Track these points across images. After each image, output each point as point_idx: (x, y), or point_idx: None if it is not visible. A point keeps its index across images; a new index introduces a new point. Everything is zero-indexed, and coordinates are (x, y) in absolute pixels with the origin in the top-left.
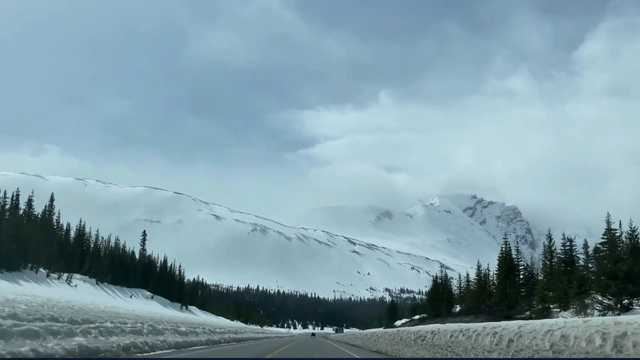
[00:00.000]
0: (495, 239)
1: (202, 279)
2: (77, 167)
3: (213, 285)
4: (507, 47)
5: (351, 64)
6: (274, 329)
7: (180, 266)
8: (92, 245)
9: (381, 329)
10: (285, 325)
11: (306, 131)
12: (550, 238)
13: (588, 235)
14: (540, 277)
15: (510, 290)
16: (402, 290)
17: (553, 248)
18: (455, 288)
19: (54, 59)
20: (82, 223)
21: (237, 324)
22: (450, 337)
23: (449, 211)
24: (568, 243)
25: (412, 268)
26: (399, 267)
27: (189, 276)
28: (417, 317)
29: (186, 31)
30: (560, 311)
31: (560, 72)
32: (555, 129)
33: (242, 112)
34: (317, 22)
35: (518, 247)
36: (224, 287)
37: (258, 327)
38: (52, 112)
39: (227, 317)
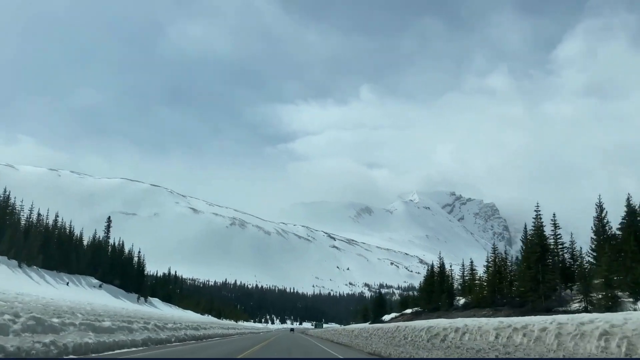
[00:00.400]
0: (473, 236)
1: (175, 272)
2: (51, 158)
3: (190, 279)
4: (487, 45)
5: (332, 59)
6: (250, 324)
7: (140, 252)
8: (21, 221)
9: (368, 325)
10: (263, 320)
11: (285, 126)
12: (601, 207)
13: (563, 233)
14: (589, 258)
15: (547, 276)
16: (381, 285)
17: (605, 220)
18: (457, 277)
19: (27, 47)
20: (7, 193)
21: (206, 319)
22: (497, 337)
23: (429, 207)
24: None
25: (392, 263)
26: (379, 263)
27: (164, 270)
28: (409, 310)
29: (164, 21)
30: (635, 301)
31: (538, 71)
32: (533, 127)
33: (221, 104)
34: (298, 15)
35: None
36: (200, 281)
37: (232, 322)
38: (25, 101)
39: (197, 312)
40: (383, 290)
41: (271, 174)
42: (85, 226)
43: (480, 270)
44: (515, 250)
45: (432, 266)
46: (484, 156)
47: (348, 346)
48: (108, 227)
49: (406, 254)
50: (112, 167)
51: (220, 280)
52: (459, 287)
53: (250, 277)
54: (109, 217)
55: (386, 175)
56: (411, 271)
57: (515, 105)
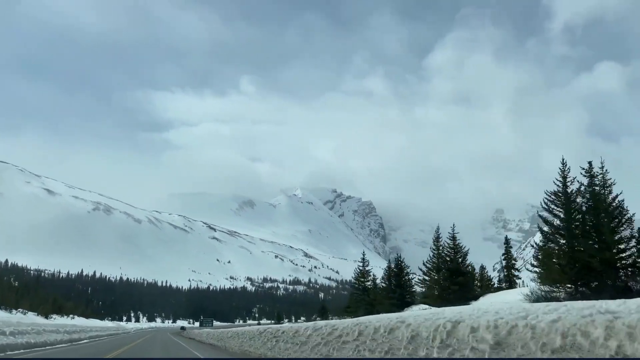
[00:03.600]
0: (353, 232)
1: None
2: None
3: (34, 270)
4: (366, 47)
5: (212, 46)
6: (94, 323)
7: None
8: None
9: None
10: (125, 318)
11: (160, 113)
12: None
13: (432, 231)
14: None
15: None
16: (265, 279)
17: None
18: None
19: None
20: None
21: None
22: None
23: (311, 203)
24: None
25: (276, 256)
26: (262, 255)
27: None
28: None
29: None
30: None
31: (413, 76)
32: (407, 131)
33: (87, 84)
34: None
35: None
36: (49, 272)
37: (41, 319)
38: None
39: None
40: (267, 285)
41: (144, 161)
42: None
43: None
44: (389, 247)
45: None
46: (362, 156)
47: None
48: None
49: (291, 247)
50: None
51: (75, 271)
52: None
53: (114, 269)
54: None
55: (269, 170)
56: (296, 264)
57: (392, 108)
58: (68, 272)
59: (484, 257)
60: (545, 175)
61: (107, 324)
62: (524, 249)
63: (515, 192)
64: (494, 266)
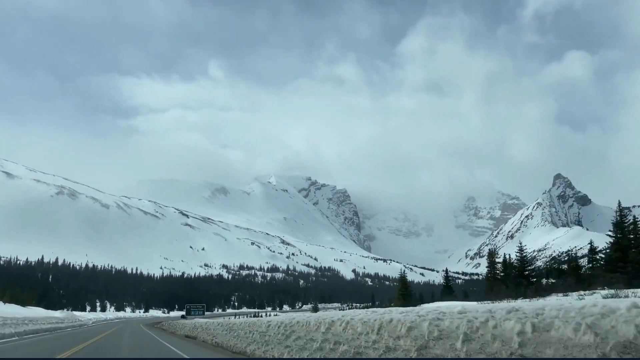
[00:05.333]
0: (328, 219)
1: None
2: None
3: None
4: (337, 32)
5: (177, 28)
6: (30, 312)
7: None
8: None
9: None
10: (89, 308)
11: (126, 99)
12: None
13: (405, 219)
14: None
15: None
16: (241, 267)
17: None
18: None
19: None
20: None
21: None
22: None
23: (286, 190)
24: None
25: (253, 243)
26: (238, 242)
27: None
28: None
29: None
30: None
31: (385, 63)
32: (379, 118)
33: (47, 66)
34: None
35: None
36: (5, 259)
37: None
38: None
39: None
40: (244, 272)
41: (110, 147)
42: None
43: None
44: (363, 235)
45: None
46: (335, 143)
47: None
48: None
49: (267, 234)
50: None
51: (35, 258)
52: None
53: (79, 256)
54: None
55: (241, 157)
56: (273, 252)
57: (363, 95)
58: (27, 259)
59: (456, 244)
60: (515, 163)
61: (53, 314)
62: (495, 236)
63: (485, 179)
64: (466, 253)
